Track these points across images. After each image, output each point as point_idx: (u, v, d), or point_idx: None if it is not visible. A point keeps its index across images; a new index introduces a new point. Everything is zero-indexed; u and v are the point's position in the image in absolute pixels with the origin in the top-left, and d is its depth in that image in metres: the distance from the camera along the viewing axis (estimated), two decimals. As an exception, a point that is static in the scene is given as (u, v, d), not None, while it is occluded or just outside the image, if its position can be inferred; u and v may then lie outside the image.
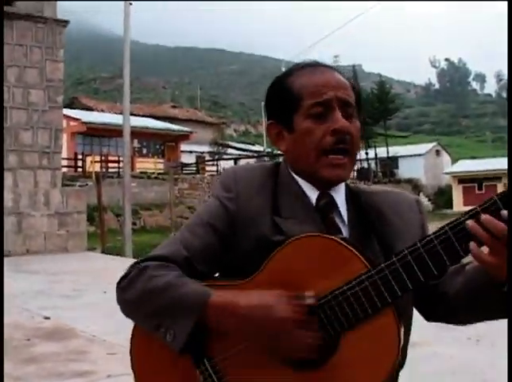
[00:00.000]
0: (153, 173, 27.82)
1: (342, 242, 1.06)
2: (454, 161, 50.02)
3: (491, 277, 1.03)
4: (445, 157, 50.79)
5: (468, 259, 1.15)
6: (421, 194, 38.66)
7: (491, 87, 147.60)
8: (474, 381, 3.66)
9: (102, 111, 38.99)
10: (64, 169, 19.28)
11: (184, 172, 31.41)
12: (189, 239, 1.17)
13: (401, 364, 1.16)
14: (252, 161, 28.29)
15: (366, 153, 43.67)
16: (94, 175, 21.27)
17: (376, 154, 44.31)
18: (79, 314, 5.73)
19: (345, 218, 1.20)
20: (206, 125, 45.23)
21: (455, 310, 1.17)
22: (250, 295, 1.06)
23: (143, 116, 36.59)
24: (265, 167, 1.26)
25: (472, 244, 0.97)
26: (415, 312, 1.23)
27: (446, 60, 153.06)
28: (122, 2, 13.58)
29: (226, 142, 45.28)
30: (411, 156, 47.21)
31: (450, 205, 41.10)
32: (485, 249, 0.98)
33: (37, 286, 7.49)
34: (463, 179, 42.84)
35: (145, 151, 34.41)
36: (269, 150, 36.84)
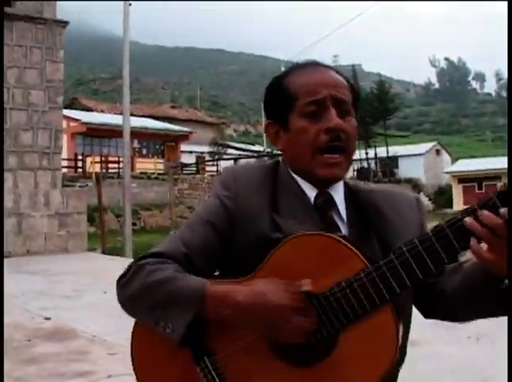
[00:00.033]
0: (153, 173, 27.83)
1: (341, 240, 1.06)
2: (454, 160, 50.03)
3: (489, 274, 1.04)
4: (445, 157, 50.79)
5: (466, 257, 1.16)
6: (421, 194, 38.65)
7: (491, 87, 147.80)
8: (473, 380, 3.65)
9: (102, 111, 38.97)
10: (64, 170, 19.28)
11: (184, 172, 31.42)
12: (189, 236, 1.18)
13: (400, 362, 1.17)
14: (252, 161, 28.27)
15: (366, 153, 43.69)
16: (94, 176, 21.29)
17: (376, 154, 44.33)
18: (79, 315, 5.74)
19: (344, 216, 1.20)
20: (206, 125, 45.24)
21: (454, 308, 1.18)
22: (247, 285, 1.07)
23: (143, 116, 36.59)
24: (264, 166, 1.27)
25: (472, 240, 0.98)
26: (414, 311, 1.23)
27: (446, 59, 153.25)
28: (122, 3, 13.58)
29: (226, 142, 45.29)
30: (411, 155, 47.22)
31: (450, 205, 41.09)
32: (483, 246, 0.99)
33: (38, 287, 7.50)
34: (463, 178, 42.83)
35: (144, 151, 34.41)
36: (269, 150, 36.82)
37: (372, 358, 1.02)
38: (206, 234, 1.18)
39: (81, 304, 6.38)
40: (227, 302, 1.06)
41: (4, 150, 11.25)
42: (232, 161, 28.46)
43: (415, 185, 42.65)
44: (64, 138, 16.56)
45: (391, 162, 45.74)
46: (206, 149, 39.81)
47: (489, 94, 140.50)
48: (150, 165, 31.13)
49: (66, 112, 20.33)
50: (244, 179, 1.21)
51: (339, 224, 1.19)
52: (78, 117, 30.96)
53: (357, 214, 1.21)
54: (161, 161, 33.75)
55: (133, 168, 22.89)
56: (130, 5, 13.58)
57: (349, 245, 1.05)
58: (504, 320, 1.27)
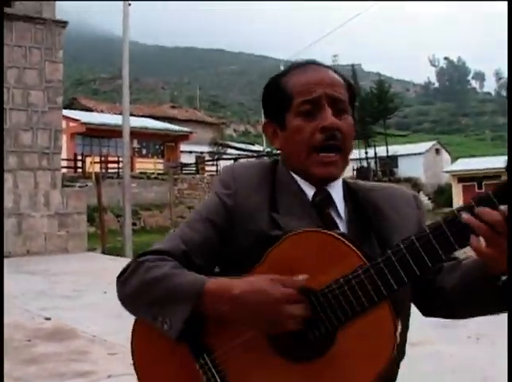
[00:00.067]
0: (153, 173, 27.82)
1: (339, 237, 1.06)
2: (453, 159, 50.00)
3: (488, 270, 1.04)
4: (445, 156, 50.77)
5: (465, 255, 1.16)
6: (421, 193, 38.67)
7: (491, 86, 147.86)
8: (474, 380, 3.66)
9: (102, 111, 38.97)
10: (64, 170, 19.29)
11: (184, 172, 31.44)
12: (188, 234, 1.19)
13: (399, 359, 1.17)
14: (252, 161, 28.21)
15: (366, 153, 43.69)
16: (94, 176, 21.29)
17: (376, 153, 44.32)
18: (79, 315, 5.74)
19: (342, 214, 1.21)
20: (205, 125, 45.25)
21: (452, 305, 1.18)
22: (244, 281, 1.07)
23: (143, 117, 36.59)
24: (263, 165, 1.28)
25: (472, 237, 0.98)
26: (415, 311, 1.23)
27: (445, 58, 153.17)
28: (121, 3, 13.58)
29: (225, 142, 45.31)
30: (411, 155, 47.20)
31: (450, 204, 41.06)
32: (482, 242, 0.99)
33: (38, 287, 7.51)
34: (463, 177, 42.83)
35: (144, 152, 34.41)
36: (269, 149, 36.83)
37: (370, 355, 1.02)
38: (205, 232, 1.19)
39: (81, 304, 6.39)
40: (225, 297, 1.06)
41: (4, 150, 11.26)
42: (232, 161, 28.46)
43: (415, 184, 42.63)
44: (64, 139, 16.58)
45: (391, 162, 45.73)
46: (206, 149, 39.82)
47: (488, 93, 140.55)
48: (150, 165, 31.13)
49: (65, 112, 20.33)
50: (243, 178, 1.22)
51: (338, 221, 1.19)
52: (77, 117, 30.96)
53: (356, 212, 1.21)
54: (161, 161, 33.76)
55: (132, 168, 22.90)
56: (130, 5, 13.58)
57: (347, 242, 1.06)
58: (504, 320, 1.27)
